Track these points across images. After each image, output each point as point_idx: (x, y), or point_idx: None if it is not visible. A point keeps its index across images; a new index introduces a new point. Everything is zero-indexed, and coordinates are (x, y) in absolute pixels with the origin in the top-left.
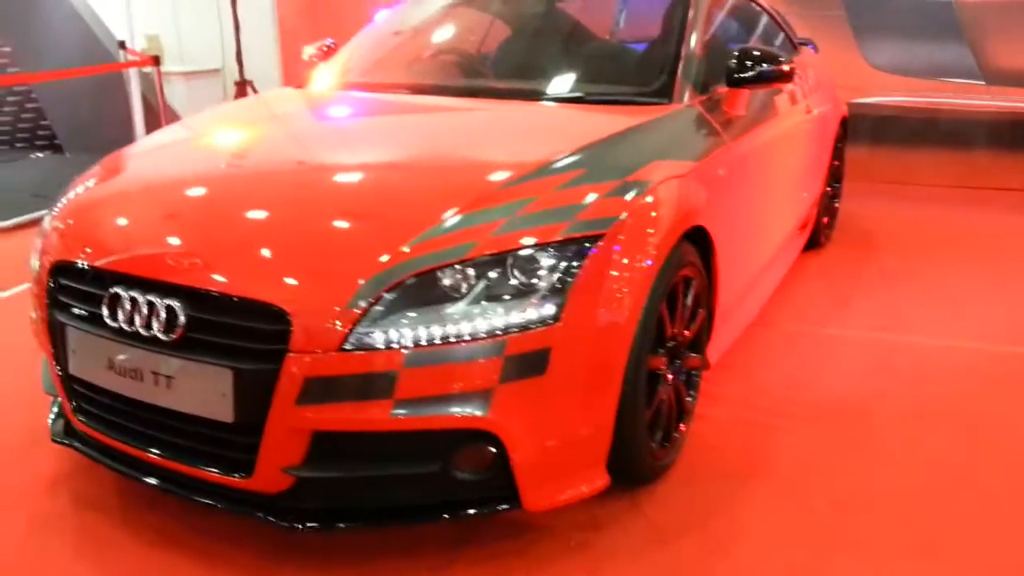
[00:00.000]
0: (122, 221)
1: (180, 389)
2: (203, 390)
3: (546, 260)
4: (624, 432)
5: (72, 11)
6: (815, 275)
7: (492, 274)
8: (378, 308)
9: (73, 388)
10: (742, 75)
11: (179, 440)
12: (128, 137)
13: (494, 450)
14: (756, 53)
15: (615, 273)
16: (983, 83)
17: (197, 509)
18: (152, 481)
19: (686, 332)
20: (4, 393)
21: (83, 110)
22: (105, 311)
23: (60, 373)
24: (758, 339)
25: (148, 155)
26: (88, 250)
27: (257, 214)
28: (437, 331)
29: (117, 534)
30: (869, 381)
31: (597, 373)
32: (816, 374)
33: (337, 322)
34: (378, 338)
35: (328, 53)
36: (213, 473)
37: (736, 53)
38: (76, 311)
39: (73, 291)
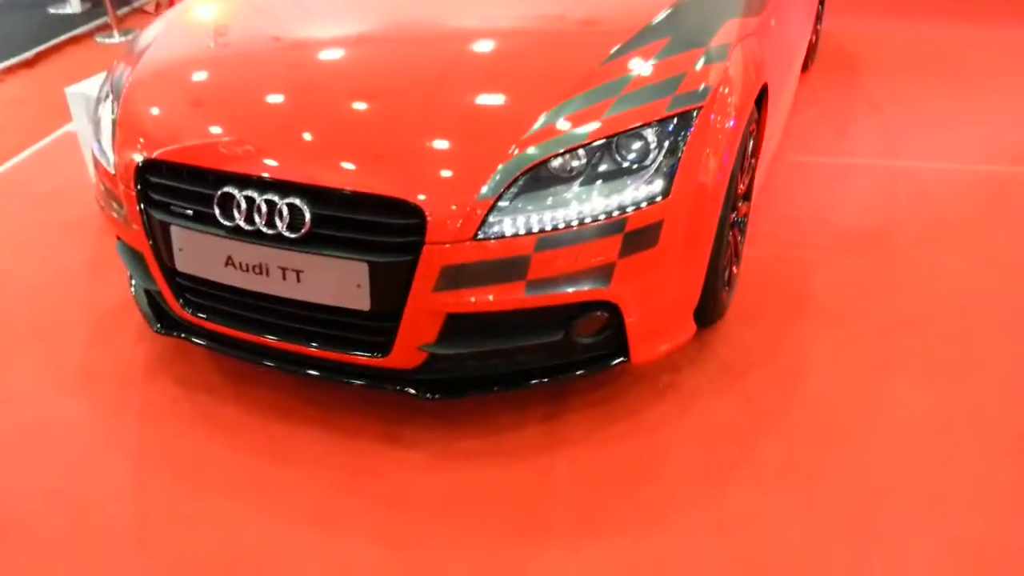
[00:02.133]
0: (221, 113)
1: (311, 282)
2: (337, 282)
3: (654, 138)
4: (708, 283)
5: None
6: (808, 103)
7: (607, 155)
8: (508, 195)
9: (179, 283)
10: None
11: (311, 328)
12: None
13: (610, 316)
14: None
15: (711, 140)
16: None
17: (306, 384)
18: (271, 364)
19: (744, 183)
20: (48, 279)
21: None
22: (217, 211)
23: (162, 269)
24: (772, 173)
25: (218, 27)
26: (186, 149)
27: (371, 103)
28: (563, 214)
29: (234, 412)
30: (881, 208)
31: (697, 236)
32: (832, 204)
33: (471, 213)
34: (508, 224)
35: None
36: (348, 355)
37: None
38: (179, 210)
39: (172, 190)
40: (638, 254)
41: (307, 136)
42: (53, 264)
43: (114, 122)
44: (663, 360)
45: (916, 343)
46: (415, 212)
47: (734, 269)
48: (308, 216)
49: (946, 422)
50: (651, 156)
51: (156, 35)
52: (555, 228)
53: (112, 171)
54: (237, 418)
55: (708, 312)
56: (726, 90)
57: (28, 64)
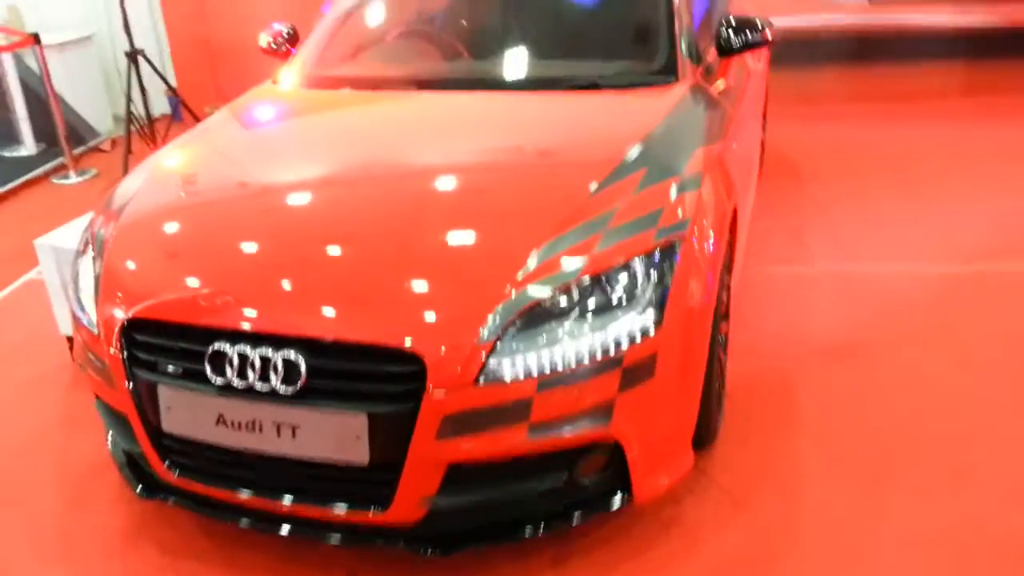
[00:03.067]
0: (208, 267)
1: (307, 437)
2: (334, 436)
3: (642, 270)
4: (703, 407)
5: None
6: (760, 211)
7: (598, 290)
8: (506, 338)
9: (166, 445)
10: (733, 45)
11: (304, 485)
12: (7, 122)
13: (611, 453)
14: (743, 21)
15: (695, 266)
16: (866, 1)
17: (298, 543)
18: (264, 525)
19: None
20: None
21: None
22: (208, 368)
23: (147, 431)
24: (739, 283)
25: (200, 177)
26: (173, 305)
27: (360, 248)
28: (561, 353)
29: None
30: (849, 315)
31: (690, 361)
32: (801, 314)
33: (470, 358)
34: (509, 367)
35: (292, 40)
36: (345, 512)
37: (727, 23)
38: (167, 369)
39: (159, 348)
40: (636, 388)
41: (302, 286)
42: (23, 425)
43: (96, 279)
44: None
45: (907, 451)
46: (414, 359)
47: (721, 389)
48: (304, 369)
49: (948, 534)
50: (640, 288)
51: (136, 189)
52: (554, 369)
53: (95, 331)
54: None
55: (703, 436)
56: (703, 218)
57: None
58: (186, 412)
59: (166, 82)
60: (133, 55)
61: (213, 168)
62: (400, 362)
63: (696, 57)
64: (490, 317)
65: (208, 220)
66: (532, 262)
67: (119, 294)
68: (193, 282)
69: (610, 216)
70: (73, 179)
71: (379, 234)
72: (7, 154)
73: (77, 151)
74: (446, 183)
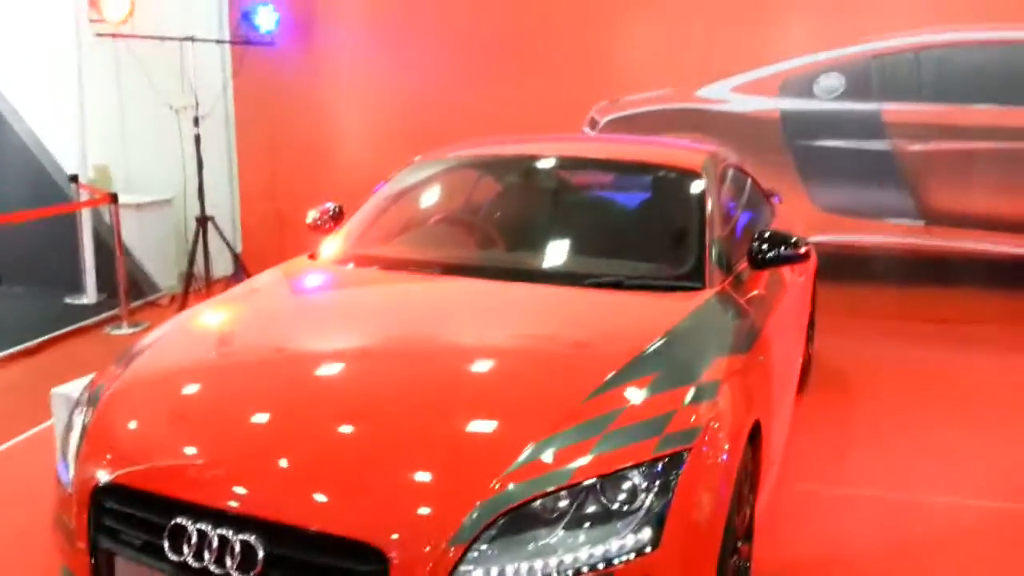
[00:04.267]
0: (188, 429)
1: None
2: None
3: (642, 480)
4: None
5: (19, 141)
6: (804, 427)
7: (592, 497)
8: (481, 542)
9: None
10: (765, 258)
11: None
12: (74, 270)
13: None
14: (777, 236)
15: (703, 480)
16: (922, 223)
17: None
18: None
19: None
20: None
21: (25, 241)
22: (166, 543)
23: None
24: (773, 504)
25: (209, 342)
26: (144, 469)
27: (350, 432)
28: (542, 565)
29: None
30: (894, 548)
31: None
32: (841, 542)
33: (442, 558)
34: (481, 573)
35: (336, 218)
36: None
37: (760, 236)
38: (127, 539)
39: (124, 517)
40: None
41: (274, 464)
42: (8, 572)
43: (83, 430)
44: None
45: None
46: (378, 556)
47: None
48: (260, 555)
49: None
50: (639, 500)
51: (149, 343)
52: None
53: (68, 489)
54: None
55: None
56: (717, 425)
57: (30, 352)
58: None
59: (230, 247)
60: (203, 220)
61: (225, 333)
62: (363, 560)
63: (726, 266)
64: (468, 513)
65: (204, 384)
66: (525, 457)
67: (101, 454)
68: (173, 448)
69: (613, 417)
70: (125, 330)
71: (372, 418)
72: (69, 301)
73: (135, 304)
74: (453, 369)
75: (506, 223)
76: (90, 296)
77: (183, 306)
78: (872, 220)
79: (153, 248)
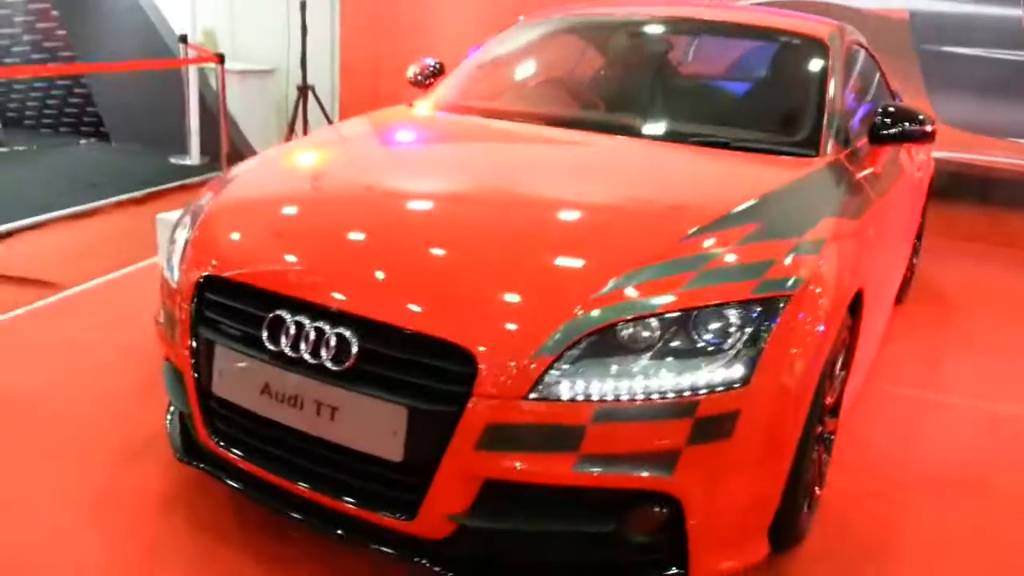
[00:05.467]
0: (290, 238)
1: (344, 422)
2: (371, 425)
3: (736, 319)
4: (787, 497)
5: (131, 2)
6: (900, 333)
7: (682, 331)
8: (569, 357)
9: (212, 408)
10: (887, 132)
11: (334, 474)
12: (179, 131)
13: (670, 513)
14: (901, 110)
15: (798, 338)
16: None
17: (324, 541)
18: (295, 515)
19: (832, 396)
20: (96, 397)
21: (134, 100)
22: (265, 334)
23: (198, 391)
24: (860, 401)
25: (306, 168)
26: (248, 268)
27: (444, 250)
28: (627, 386)
29: (239, 562)
30: (979, 453)
31: (777, 439)
32: (925, 442)
33: (526, 368)
34: (566, 388)
35: (437, 75)
36: (370, 512)
37: (884, 109)
38: (228, 330)
39: (225, 308)
40: (709, 444)
41: (372, 271)
42: (100, 384)
43: (187, 242)
44: None
45: None
46: (467, 359)
47: (817, 490)
48: (355, 349)
49: None
50: (731, 339)
51: (247, 168)
52: (617, 399)
53: (174, 286)
54: (238, 568)
55: (785, 533)
56: (818, 289)
57: (138, 202)
58: (235, 376)
59: (328, 118)
60: (304, 89)
61: (323, 162)
62: (452, 359)
63: (844, 140)
64: (553, 332)
65: (303, 203)
66: (609, 287)
67: (205, 257)
68: (274, 252)
69: (708, 258)
70: None
71: (466, 242)
72: (174, 160)
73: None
74: (545, 207)
75: (615, 86)
76: (193, 157)
77: None
78: (1000, 139)
79: (254, 116)
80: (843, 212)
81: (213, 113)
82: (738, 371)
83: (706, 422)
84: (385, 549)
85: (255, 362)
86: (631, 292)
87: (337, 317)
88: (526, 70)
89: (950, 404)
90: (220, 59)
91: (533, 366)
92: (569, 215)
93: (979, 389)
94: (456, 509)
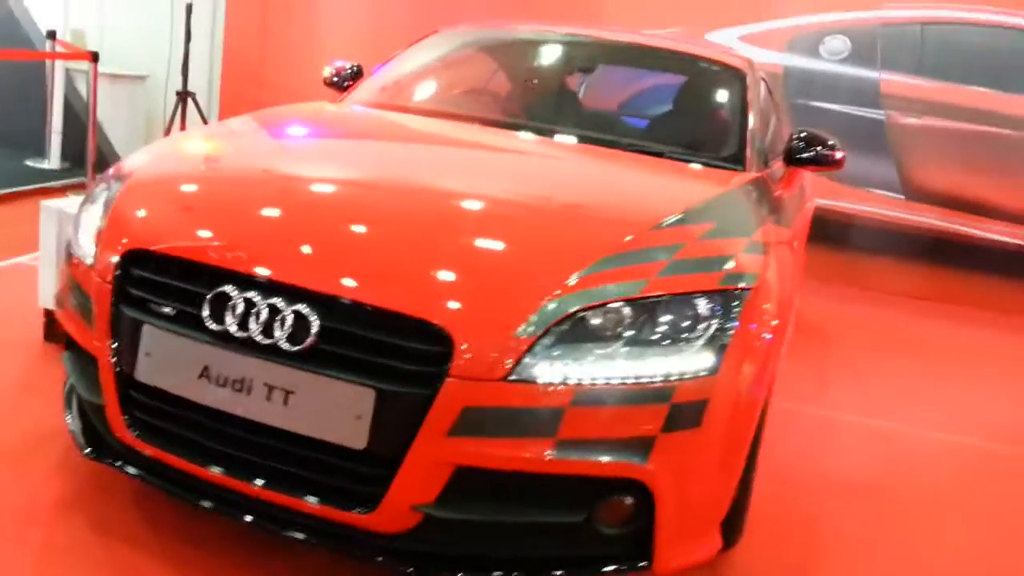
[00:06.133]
0: (235, 210)
1: (300, 407)
2: (332, 410)
3: (706, 309)
4: (739, 494)
5: None
6: (789, 355)
7: (654, 318)
8: (547, 339)
9: (132, 398)
10: (802, 156)
11: (282, 465)
12: (38, 133)
13: (640, 503)
14: (815, 136)
15: (756, 331)
16: (903, 197)
17: (250, 544)
18: (228, 511)
19: None
20: None
21: None
22: (206, 311)
23: (117, 379)
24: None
25: (235, 147)
26: (185, 240)
27: (408, 226)
28: (607, 369)
29: (154, 566)
30: (876, 465)
31: (736, 432)
32: (826, 454)
33: (505, 349)
34: (545, 371)
35: (355, 77)
36: (324, 507)
37: (798, 134)
38: (158, 309)
39: (155, 285)
40: (681, 432)
41: (330, 247)
42: None
43: (108, 203)
44: None
45: None
46: (443, 339)
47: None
48: (315, 328)
49: None
50: (701, 327)
51: (155, 151)
52: (599, 382)
53: (88, 262)
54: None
55: (732, 529)
56: (767, 287)
57: None
58: (167, 360)
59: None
60: (184, 95)
61: (251, 143)
62: (426, 339)
63: (763, 158)
64: (533, 313)
65: (233, 183)
66: (589, 269)
67: (127, 229)
68: (211, 222)
69: (678, 248)
70: None
71: (435, 220)
72: (31, 164)
73: (100, 176)
74: (511, 193)
75: (542, 100)
76: (52, 161)
77: None
78: (855, 187)
79: (122, 123)
80: (775, 221)
81: (76, 115)
82: (708, 360)
83: (681, 409)
84: (337, 547)
85: (192, 343)
86: (608, 276)
87: (295, 293)
88: (446, 82)
89: (842, 421)
90: (94, 57)
91: (511, 348)
92: (537, 202)
93: (865, 408)
94: (423, 499)
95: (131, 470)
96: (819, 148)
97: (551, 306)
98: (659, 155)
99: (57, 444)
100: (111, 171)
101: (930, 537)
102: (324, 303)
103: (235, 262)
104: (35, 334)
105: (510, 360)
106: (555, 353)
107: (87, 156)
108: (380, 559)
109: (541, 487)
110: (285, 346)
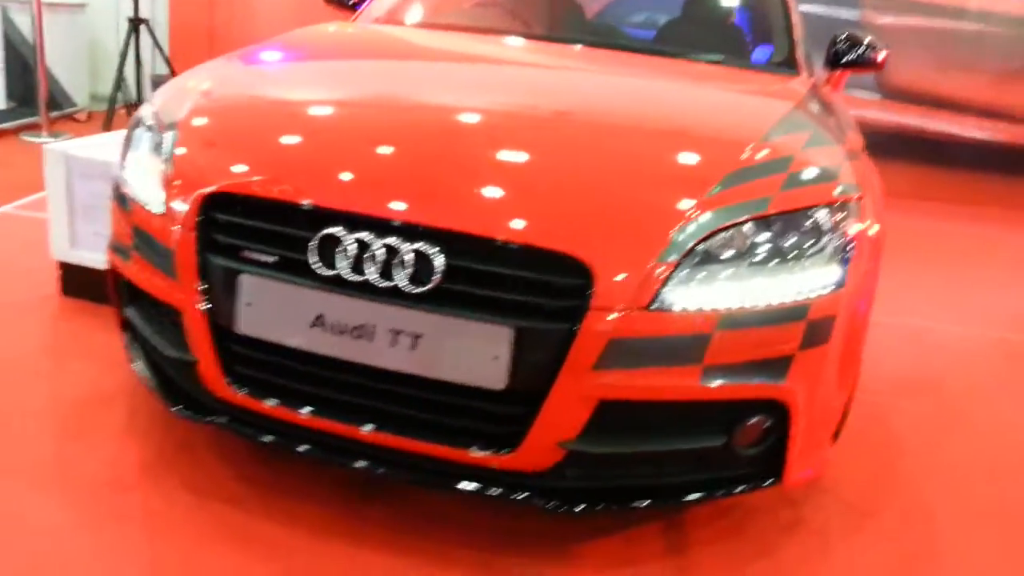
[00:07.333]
0: (333, 144)
1: (430, 351)
2: (466, 352)
3: (826, 221)
4: (846, 407)
5: None
6: None
7: (787, 232)
8: (686, 264)
9: (234, 352)
10: (847, 59)
11: (413, 412)
12: None
13: (776, 421)
14: (857, 37)
15: (868, 241)
16: (879, 97)
17: (360, 495)
18: (357, 464)
19: None
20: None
21: None
22: (314, 256)
23: (214, 333)
24: None
25: (292, 69)
26: (280, 180)
27: (522, 153)
28: (746, 291)
29: (271, 529)
30: (921, 362)
31: (854, 345)
32: (874, 356)
33: (646, 277)
34: (687, 296)
35: None
36: (458, 450)
37: (841, 35)
38: (257, 256)
39: (250, 231)
40: (814, 349)
41: (449, 178)
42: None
43: (171, 153)
44: (773, 493)
45: (1016, 494)
46: (580, 271)
47: None
48: (440, 267)
49: None
50: (824, 241)
51: (200, 83)
52: (742, 304)
53: (157, 209)
54: (276, 537)
55: (838, 433)
56: (869, 191)
57: None
58: (273, 310)
59: (165, 57)
60: (137, 23)
61: (298, 74)
62: (564, 272)
63: (810, 61)
64: (672, 235)
65: (313, 116)
66: (720, 187)
67: (203, 169)
68: (304, 157)
69: (789, 160)
70: (45, 139)
71: (549, 146)
72: None
73: (52, 114)
74: (608, 113)
75: (579, 9)
76: None
77: (108, 122)
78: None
79: (66, 58)
80: (847, 127)
81: (19, 52)
82: (835, 274)
83: (815, 325)
84: (481, 489)
85: (302, 290)
86: (735, 195)
87: (413, 232)
88: None
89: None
90: None
91: (652, 275)
92: (637, 121)
93: (889, 309)
94: (566, 435)
95: (239, 428)
96: (862, 50)
97: (688, 229)
98: (717, 63)
99: (117, 407)
100: (149, 111)
101: (987, 425)
102: (448, 240)
103: (340, 201)
104: (48, 290)
105: (652, 289)
106: (694, 278)
107: (38, 93)
108: (522, 497)
109: (683, 414)
110: (408, 288)
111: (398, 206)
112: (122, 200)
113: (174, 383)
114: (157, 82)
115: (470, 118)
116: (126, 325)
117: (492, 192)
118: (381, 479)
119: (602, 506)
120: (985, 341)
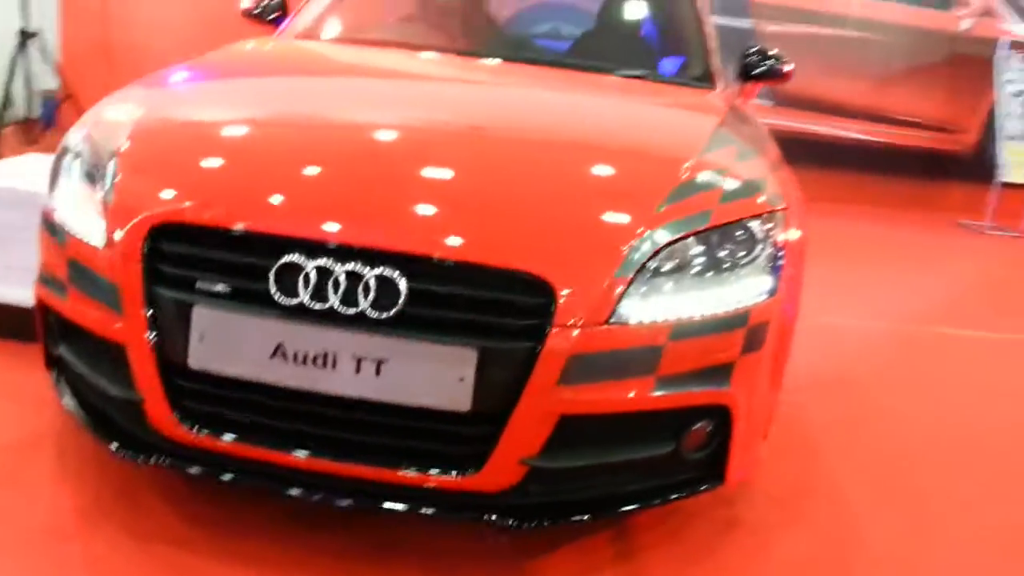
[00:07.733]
0: (281, 168)
1: (394, 376)
2: (431, 375)
3: (759, 231)
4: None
5: None
6: None
7: (726, 243)
8: (640, 278)
9: (182, 387)
10: (758, 71)
11: (373, 439)
12: None
13: (720, 425)
14: (766, 50)
15: (794, 249)
16: (771, 103)
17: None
18: (316, 496)
19: None
20: None
21: None
22: (274, 285)
23: (161, 368)
24: None
25: (230, 88)
26: (229, 208)
27: (480, 168)
28: (694, 302)
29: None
30: (833, 359)
31: (783, 349)
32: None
33: (605, 293)
34: (640, 310)
35: (279, 9)
36: (422, 475)
37: (751, 48)
38: (209, 287)
39: (202, 261)
40: (753, 354)
41: (405, 200)
42: None
43: (111, 182)
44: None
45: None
46: (543, 289)
47: None
48: (403, 291)
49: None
50: (757, 250)
51: (147, 95)
52: (689, 316)
53: (99, 241)
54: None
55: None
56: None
57: None
58: (228, 342)
59: (57, 70)
60: (26, 36)
61: (239, 94)
62: (526, 291)
63: (724, 77)
64: (626, 251)
65: (262, 137)
66: (669, 200)
67: (147, 197)
68: (256, 183)
69: (723, 173)
70: None
71: (494, 166)
72: None
73: None
74: (546, 132)
75: (497, 24)
76: None
77: None
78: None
79: None
80: (765, 138)
81: None
82: (768, 281)
83: (753, 331)
84: (444, 512)
85: (259, 321)
86: (680, 209)
87: (374, 256)
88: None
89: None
90: None
91: (611, 291)
92: (581, 138)
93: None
94: (528, 452)
95: (189, 466)
96: (772, 62)
97: (641, 245)
98: (638, 77)
99: (46, 449)
100: (78, 138)
101: (895, 413)
102: (408, 264)
103: (294, 226)
104: None
105: (611, 304)
106: (646, 291)
107: None
108: (487, 518)
109: (636, 425)
110: (372, 314)
111: (355, 232)
112: (53, 231)
113: (109, 420)
114: (47, 98)
115: (414, 141)
116: (53, 362)
117: (453, 216)
118: (330, 509)
119: (563, 520)
120: (884, 333)
